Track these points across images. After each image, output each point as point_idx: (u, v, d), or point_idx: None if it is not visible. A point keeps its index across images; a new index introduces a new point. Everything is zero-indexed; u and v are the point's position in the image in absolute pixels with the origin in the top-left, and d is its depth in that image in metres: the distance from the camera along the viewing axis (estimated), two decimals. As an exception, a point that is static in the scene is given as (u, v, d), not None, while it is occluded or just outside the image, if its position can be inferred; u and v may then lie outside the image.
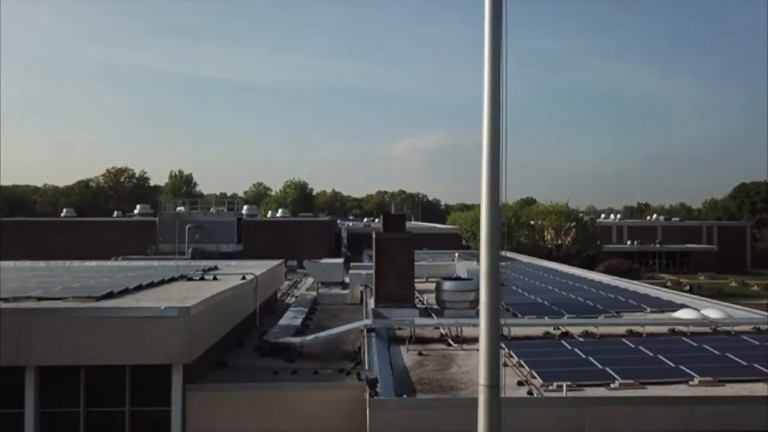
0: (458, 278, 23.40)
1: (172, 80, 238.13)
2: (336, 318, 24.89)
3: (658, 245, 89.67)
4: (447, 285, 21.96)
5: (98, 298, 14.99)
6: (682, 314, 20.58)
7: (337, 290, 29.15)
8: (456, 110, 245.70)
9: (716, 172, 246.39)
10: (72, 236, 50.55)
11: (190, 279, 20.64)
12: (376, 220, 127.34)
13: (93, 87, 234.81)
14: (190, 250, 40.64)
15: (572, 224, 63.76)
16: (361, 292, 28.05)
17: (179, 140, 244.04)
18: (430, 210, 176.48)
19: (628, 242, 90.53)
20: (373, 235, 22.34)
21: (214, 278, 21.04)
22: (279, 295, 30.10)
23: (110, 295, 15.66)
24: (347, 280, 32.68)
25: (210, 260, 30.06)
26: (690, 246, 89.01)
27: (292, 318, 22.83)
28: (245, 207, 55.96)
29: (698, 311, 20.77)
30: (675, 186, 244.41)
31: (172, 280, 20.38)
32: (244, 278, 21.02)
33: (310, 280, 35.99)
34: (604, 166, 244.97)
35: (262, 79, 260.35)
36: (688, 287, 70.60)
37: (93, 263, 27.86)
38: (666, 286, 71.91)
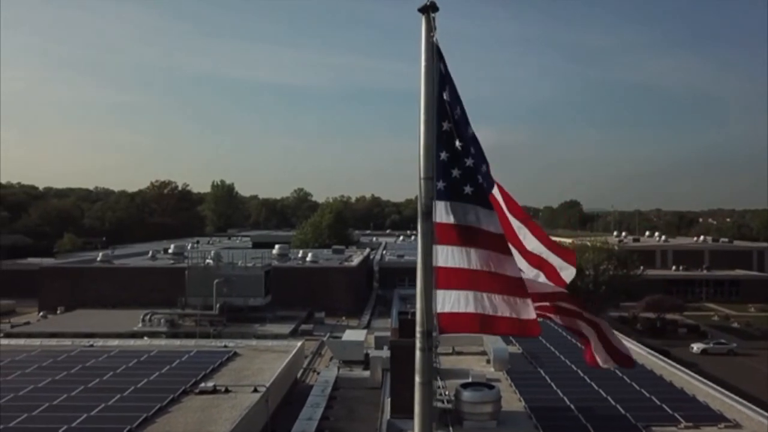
0: (478, 383, 22.48)
1: (198, 83, 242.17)
2: (353, 415, 24.37)
3: (705, 271, 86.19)
4: (466, 395, 21.09)
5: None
6: (718, 443, 19.24)
7: (358, 371, 28.57)
8: (503, 107, 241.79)
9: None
10: (105, 282, 51.63)
11: (202, 392, 20.36)
12: (413, 236, 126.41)
13: (143, 90, 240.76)
14: (218, 306, 40.62)
15: (612, 262, 61.49)
16: (382, 375, 27.47)
17: (216, 143, 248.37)
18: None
19: (673, 267, 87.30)
20: (389, 343, 21.68)
21: (226, 390, 20.70)
22: (300, 373, 29.70)
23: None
24: (371, 347, 32.16)
25: (230, 339, 29.84)
26: (740, 273, 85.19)
27: (307, 420, 22.37)
28: (276, 246, 55.85)
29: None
30: (726, 187, 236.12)
31: (183, 394, 20.14)
32: (255, 390, 20.61)
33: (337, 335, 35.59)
34: (649, 165, 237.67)
35: (294, 80, 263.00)
36: (736, 324, 67.70)
37: (116, 343, 27.98)
38: (713, 320, 69.66)
